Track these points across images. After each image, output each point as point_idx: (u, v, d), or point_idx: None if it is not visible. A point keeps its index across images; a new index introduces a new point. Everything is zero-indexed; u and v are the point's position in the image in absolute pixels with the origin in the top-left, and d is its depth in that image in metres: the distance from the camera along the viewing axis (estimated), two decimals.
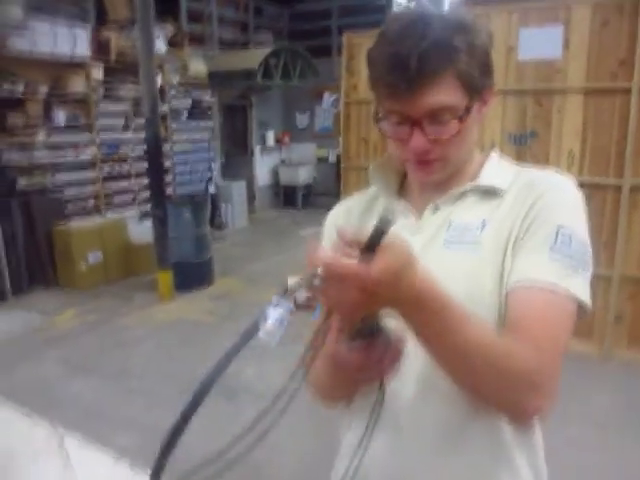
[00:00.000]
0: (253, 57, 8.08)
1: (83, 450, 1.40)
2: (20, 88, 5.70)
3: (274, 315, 0.57)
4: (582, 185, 3.24)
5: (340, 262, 0.57)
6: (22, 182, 5.73)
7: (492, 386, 0.70)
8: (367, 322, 0.67)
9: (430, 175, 0.85)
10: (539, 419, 0.85)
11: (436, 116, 0.77)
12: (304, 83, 9.00)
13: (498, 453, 0.83)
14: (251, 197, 9.60)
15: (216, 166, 8.72)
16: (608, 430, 3.02)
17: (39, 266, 5.65)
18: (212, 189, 8.28)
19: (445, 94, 0.77)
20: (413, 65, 0.73)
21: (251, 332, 0.58)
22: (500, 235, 0.82)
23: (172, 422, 0.58)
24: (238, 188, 8.77)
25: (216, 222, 8.30)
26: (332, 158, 10.04)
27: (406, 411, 0.83)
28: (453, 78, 0.77)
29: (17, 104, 5.72)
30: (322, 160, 10.43)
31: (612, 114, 3.56)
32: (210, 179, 8.34)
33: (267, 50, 8.24)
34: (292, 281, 0.59)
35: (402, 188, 0.97)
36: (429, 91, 0.75)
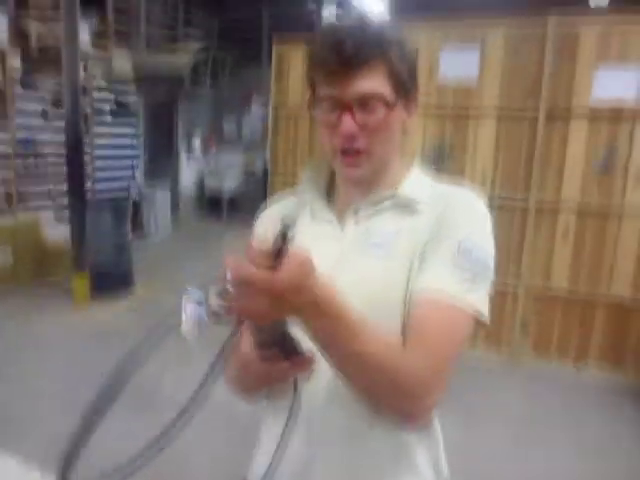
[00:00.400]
0: (181, 59, 7.97)
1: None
2: None
3: (191, 309, 0.59)
4: (493, 199, 3.48)
5: (247, 268, 0.60)
6: None
7: (383, 393, 0.76)
8: (275, 330, 0.70)
9: (355, 169, 0.89)
10: (428, 422, 0.91)
11: (365, 103, 0.84)
12: (233, 89, 8.96)
13: (399, 454, 0.89)
14: (175, 204, 9.40)
15: (138, 171, 8.45)
16: (513, 437, 3.18)
17: None
18: (135, 194, 8.03)
19: (376, 82, 0.84)
20: (349, 49, 0.80)
21: (166, 325, 0.61)
22: (411, 245, 0.87)
23: (81, 419, 0.58)
24: (162, 195, 8.57)
25: (138, 228, 8.05)
26: (259, 168, 10.02)
27: (317, 415, 0.88)
28: (384, 71, 0.84)
29: None
30: (249, 172, 10.38)
31: (521, 137, 3.84)
32: (132, 184, 8.06)
33: (196, 52, 8.14)
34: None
35: (330, 192, 1.01)
36: (361, 76, 0.83)
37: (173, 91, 8.86)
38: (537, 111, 3.75)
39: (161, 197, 8.53)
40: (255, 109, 10.16)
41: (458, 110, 3.99)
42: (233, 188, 10.18)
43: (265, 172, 6.87)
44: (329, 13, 9.41)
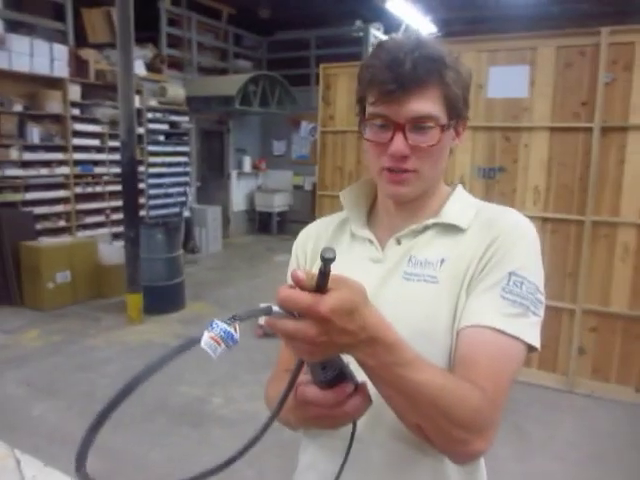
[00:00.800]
0: (232, 83, 8.18)
1: (42, 475, 1.38)
2: None
3: (219, 327, 0.58)
4: (547, 220, 3.36)
5: (295, 294, 0.58)
6: None
7: (435, 426, 0.71)
8: (329, 366, 0.67)
9: (401, 187, 0.87)
10: (478, 458, 0.87)
11: (419, 124, 0.82)
12: (282, 110, 9.13)
13: None
14: (226, 222, 9.59)
15: (191, 190, 8.71)
16: (570, 463, 3.06)
17: (4, 283, 5.54)
18: (187, 213, 8.26)
19: (431, 104, 0.82)
20: (407, 68, 0.79)
21: (191, 341, 0.59)
22: (457, 273, 0.85)
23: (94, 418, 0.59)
24: (213, 213, 8.77)
25: (190, 246, 8.26)
26: (308, 186, 10.13)
27: (355, 442, 0.84)
28: (439, 93, 0.82)
29: None
30: (298, 187, 10.51)
31: (575, 152, 3.71)
32: (185, 202, 8.33)
33: (246, 76, 8.35)
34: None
35: (371, 215, 1.00)
36: (417, 97, 0.81)
37: (224, 113, 9.10)
38: (591, 125, 3.61)
39: (212, 215, 8.72)
40: (304, 128, 10.28)
41: (508, 126, 3.90)
42: (282, 205, 10.33)
43: (314, 189, 6.93)
44: (377, 33, 9.45)
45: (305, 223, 0.99)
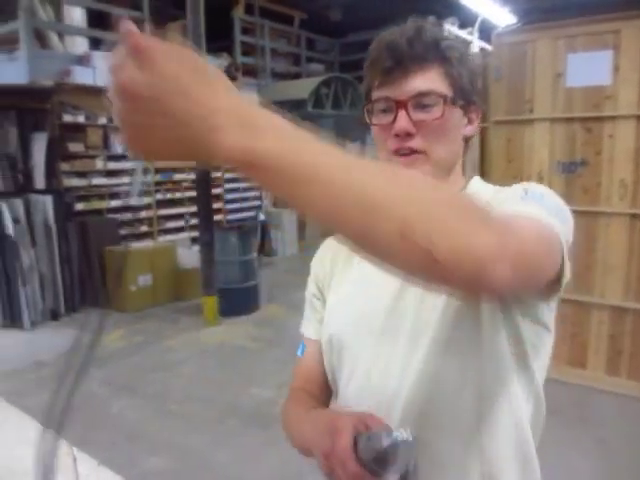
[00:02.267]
0: (304, 87, 8.25)
1: (95, 473, 1.41)
2: (81, 118, 6.04)
3: None
4: (636, 217, 3.07)
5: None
6: (80, 206, 6.02)
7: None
8: (373, 446, 0.63)
9: (413, 170, 0.82)
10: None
11: (422, 101, 0.81)
12: (355, 112, 9.09)
13: None
14: (301, 224, 9.67)
15: (267, 193, 8.86)
16: None
17: (91, 286, 5.87)
18: (262, 216, 8.41)
19: (432, 80, 0.81)
20: (404, 46, 0.80)
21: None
22: None
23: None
24: (289, 215, 8.87)
25: (265, 249, 8.40)
26: None
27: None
28: (440, 71, 0.82)
29: (78, 133, 6.05)
30: None
31: None
32: (260, 206, 8.48)
33: (318, 79, 8.39)
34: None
35: None
36: (417, 74, 0.81)
37: (297, 116, 9.17)
38: None
39: (288, 217, 8.82)
40: None
41: (590, 116, 3.63)
42: None
43: None
44: (452, 29, 9.19)
45: None
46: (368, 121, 0.87)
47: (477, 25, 8.90)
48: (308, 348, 1.01)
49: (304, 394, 0.97)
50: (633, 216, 3.50)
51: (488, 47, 3.91)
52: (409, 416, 0.79)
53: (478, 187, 0.90)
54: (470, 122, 0.87)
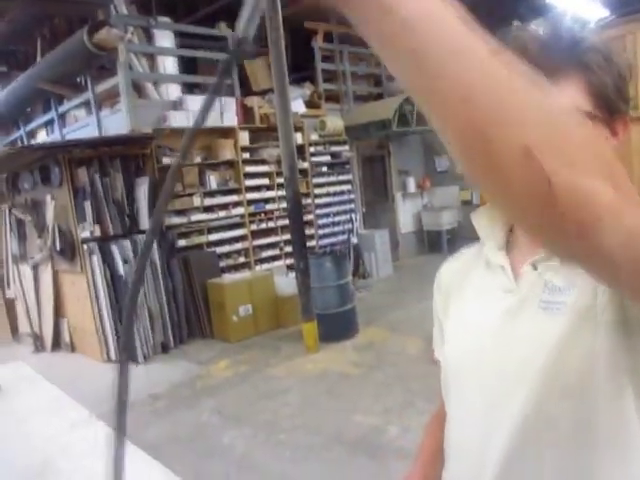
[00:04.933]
0: (387, 106, 8.21)
1: None
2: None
3: None
4: None
5: None
6: (182, 242, 6.31)
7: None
8: None
9: None
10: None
11: None
12: None
13: None
14: (394, 244, 9.54)
15: (357, 216, 8.85)
16: None
17: (196, 318, 6.10)
18: (354, 239, 8.39)
19: (569, 93, 0.67)
20: (533, 54, 0.62)
21: None
22: (587, 299, 0.68)
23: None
24: (381, 236, 8.78)
25: (360, 271, 8.35)
26: (476, 200, 9.67)
27: None
28: (581, 79, 0.68)
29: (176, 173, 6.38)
30: (466, 202, 10.09)
31: None
32: (352, 230, 8.47)
33: (400, 97, 8.32)
34: None
35: (511, 237, 0.84)
36: (557, 88, 0.67)
37: (383, 136, 9.15)
38: None
39: (380, 238, 8.74)
40: None
41: None
42: (451, 222, 10.00)
43: (483, 203, 6.56)
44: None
45: (476, 239, 0.88)
46: None
47: (567, 21, 8.46)
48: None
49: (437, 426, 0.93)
50: None
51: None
52: None
53: None
54: (615, 135, 0.73)
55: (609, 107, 0.70)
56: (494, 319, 0.77)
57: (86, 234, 5.55)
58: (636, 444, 0.68)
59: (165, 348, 5.77)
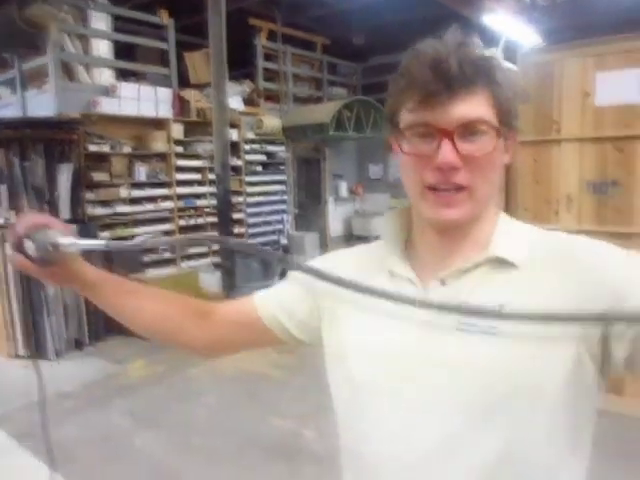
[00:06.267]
0: (326, 110, 8.26)
1: None
2: (106, 148, 6.11)
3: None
4: None
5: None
6: (104, 234, 6.06)
7: None
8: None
9: (451, 210, 0.72)
10: None
11: (469, 130, 0.70)
12: (377, 134, 9.06)
13: None
14: (323, 248, 9.61)
15: (289, 217, 8.85)
16: None
17: None
18: (284, 240, 8.38)
19: (481, 106, 0.70)
20: (453, 66, 0.68)
21: None
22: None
23: None
24: (310, 239, 8.82)
25: (287, 273, 8.33)
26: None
27: None
28: (489, 94, 0.71)
29: (102, 162, 6.12)
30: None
31: None
32: (282, 230, 8.46)
33: (340, 102, 8.40)
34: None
35: (407, 249, 0.84)
36: (465, 99, 0.69)
37: (319, 140, 9.20)
38: None
39: (310, 241, 8.78)
40: None
41: (621, 136, 3.51)
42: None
43: None
44: None
45: None
46: (398, 147, 0.76)
47: (501, 46, 8.83)
48: (246, 303, 0.97)
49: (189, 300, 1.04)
50: None
51: (513, 68, 3.88)
52: None
53: (509, 235, 0.78)
54: (507, 150, 0.77)
55: (509, 123, 0.73)
56: (409, 334, 0.76)
57: (0, 220, 5.22)
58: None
59: (79, 345, 5.51)
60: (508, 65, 0.73)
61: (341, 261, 0.91)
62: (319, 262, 0.92)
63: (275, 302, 0.95)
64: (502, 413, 0.69)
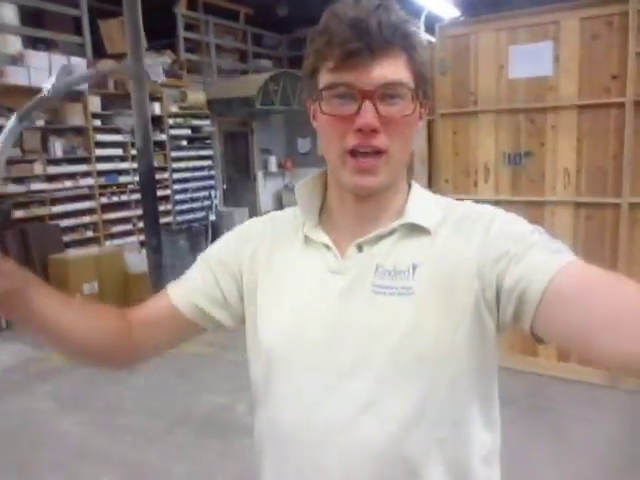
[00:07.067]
0: (252, 83, 8.11)
1: None
2: None
3: None
4: (580, 205, 3.11)
5: None
6: (18, 213, 5.72)
7: None
8: None
9: (370, 177, 0.73)
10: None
11: (389, 93, 0.70)
12: (304, 107, 9.01)
13: None
14: None
15: (217, 193, 8.69)
16: (611, 466, 2.83)
17: None
18: (213, 216, 8.24)
19: (399, 69, 0.70)
20: (373, 26, 0.67)
21: None
22: (439, 279, 0.73)
23: None
24: (240, 214, 8.71)
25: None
26: None
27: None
28: (407, 57, 0.71)
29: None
30: None
31: (607, 130, 3.45)
32: (210, 206, 8.31)
33: (266, 75, 8.27)
34: None
35: (322, 215, 0.85)
36: (386, 60, 0.69)
37: (247, 114, 9.04)
38: (623, 100, 3.35)
39: (239, 216, 8.67)
40: None
41: (532, 107, 3.67)
42: None
43: None
44: None
45: None
46: (316, 109, 0.75)
47: (423, 18, 8.95)
48: (161, 301, 0.94)
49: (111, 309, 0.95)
50: (577, 205, 3.56)
51: (433, 40, 3.95)
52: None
53: (422, 203, 0.81)
54: (420, 117, 0.77)
55: (424, 89, 0.74)
56: (326, 301, 0.76)
57: None
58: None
59: None
60: (426, 36, 0.73)
61: (259, 224, 0.91)
62: (244, 225, 0.93)
63: (192, 291, 0.91)
64: (418, 372, 0.72)
